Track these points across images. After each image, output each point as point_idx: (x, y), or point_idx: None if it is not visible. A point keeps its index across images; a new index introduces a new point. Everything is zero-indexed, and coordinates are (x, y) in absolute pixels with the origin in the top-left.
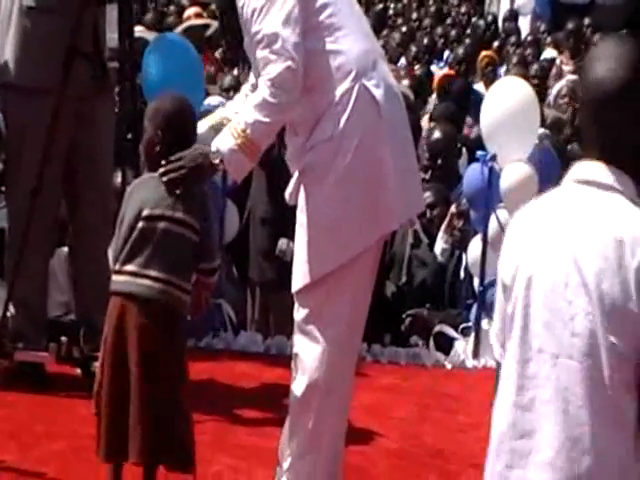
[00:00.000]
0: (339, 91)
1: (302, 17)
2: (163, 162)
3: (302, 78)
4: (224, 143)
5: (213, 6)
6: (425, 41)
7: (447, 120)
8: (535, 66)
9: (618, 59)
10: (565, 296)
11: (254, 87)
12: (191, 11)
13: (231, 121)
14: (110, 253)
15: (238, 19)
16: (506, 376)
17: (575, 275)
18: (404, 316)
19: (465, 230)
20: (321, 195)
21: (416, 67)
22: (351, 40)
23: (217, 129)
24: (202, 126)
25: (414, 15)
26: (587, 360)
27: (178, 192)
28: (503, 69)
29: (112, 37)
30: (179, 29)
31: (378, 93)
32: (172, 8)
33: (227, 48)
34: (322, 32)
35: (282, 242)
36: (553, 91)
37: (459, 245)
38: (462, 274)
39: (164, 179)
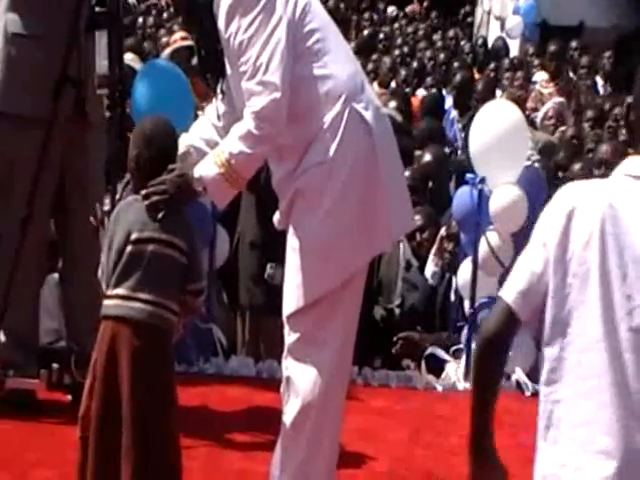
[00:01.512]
0: (329, 116)
1: (291, 45)
2: (145, 189)
3: (288, 108)
4: (207, 171)
5: None
6: (415, 65)
7: (435, 141)
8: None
9: None
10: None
11: (221, 116)
12: (177, 36)
13: (215, 149)
14: (101, 280)
15: (217, 48)
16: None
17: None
18: (395, 339)
19: (455, 253)
20: (314, 220)
21: (406, 90)
22: (338, 64)
23: (183, 158)
24: None
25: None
26: None
27: (160, 216)
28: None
29: (102, 64)
30: (166, 53)
31: (368, 115)
32: (162, 31)
33: (205, 77)
34: (311, 57)
35: (270, 266)
36: (540, 114)
37: (449, 268)
38: (452, 297)
39: (146, 203)
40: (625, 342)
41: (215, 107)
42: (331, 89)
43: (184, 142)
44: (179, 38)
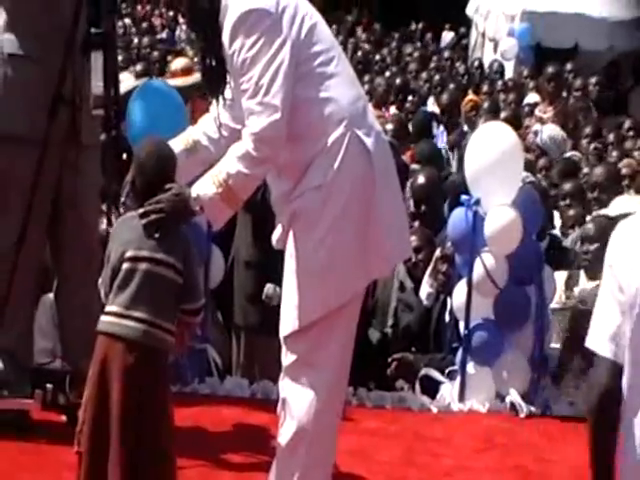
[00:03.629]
0: (330, 139)
1: (293, 66)
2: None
3: (287, 127)
4: (205, 191)
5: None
6: (412, 85)
7: (428, 162)
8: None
9: None
10: None
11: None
12: (178, 65)
13: (213, 169)
14: (100, 288)
15: (221, 56)
16: None
17: None
18: (390, 360)
19: (449, 274)
20: (311, 242)
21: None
22: (341, 87)
23: (191, 152)
24: (175, 147)
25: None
26: None
27: (157, 235)
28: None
29: (97, 84)
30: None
31: (369, 142)
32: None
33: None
34: (313, 80)
35: (269, 287)
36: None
37: (443, 289)
38: (447, 318)
39: (143, 221)
40: None
41: (215, 117)
42: (333, 112)
43: (191, 136)
44: (180, 70)
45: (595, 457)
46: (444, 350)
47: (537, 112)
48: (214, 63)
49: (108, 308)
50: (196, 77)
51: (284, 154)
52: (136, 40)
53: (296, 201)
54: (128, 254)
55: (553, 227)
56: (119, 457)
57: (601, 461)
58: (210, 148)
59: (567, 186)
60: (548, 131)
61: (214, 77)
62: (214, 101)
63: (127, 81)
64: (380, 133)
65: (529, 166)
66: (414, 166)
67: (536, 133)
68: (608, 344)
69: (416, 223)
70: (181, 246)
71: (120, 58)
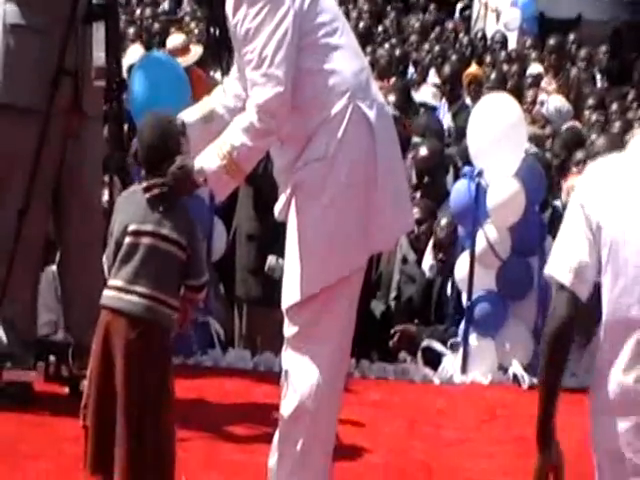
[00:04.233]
0: (333, 110)
1: (297, 37)
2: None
3: (290, 100)
4: (209, 163)
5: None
6: (414, 56)
7: (430, 133)
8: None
9: None
10: None
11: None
12: (177, 41)
13: (216, 141)
14: (104, 263)
15: (227, 27)
16: None
17: None
18: (392, 332)
19: (445, 260)
20: (313, 214)
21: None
22: (345, 59)
23: (207, 120)
24: (191, 115)
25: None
26: None
27: (161, 209)
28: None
29: (99, 56)
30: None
31: (372, 114)
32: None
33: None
34: (317, 51)
35: (271, 259)
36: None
37: (442, 273)
38: (449, 290)
39: (146, 196)
40: None
41: (224, 88)
42: (336, 84)
43: (207, 105)
44: (180, 47)
45: (547, 376)
46: (446, 322)
47: (543, 84)
48: (218, 33)
49: (111, 282)
50: (195, 54)
51: (287, 125)
52: (138, 11)
53: (298, 173)
54: (131, 228)
55: (558, 197)
56: (125, 430)
57: (552, 379)
58: (226, 117)
59: (579, 155)
60: (554, 102)
61: (219, 47)
62: (220, 71)
63: (136, 53)
64: (383, 105)
65: (540, 140)
66: (415, 139)
67: (542, 103)
68: (569, 275)
69: (417, 194)
70: (186, 222)
71: (131, 31)
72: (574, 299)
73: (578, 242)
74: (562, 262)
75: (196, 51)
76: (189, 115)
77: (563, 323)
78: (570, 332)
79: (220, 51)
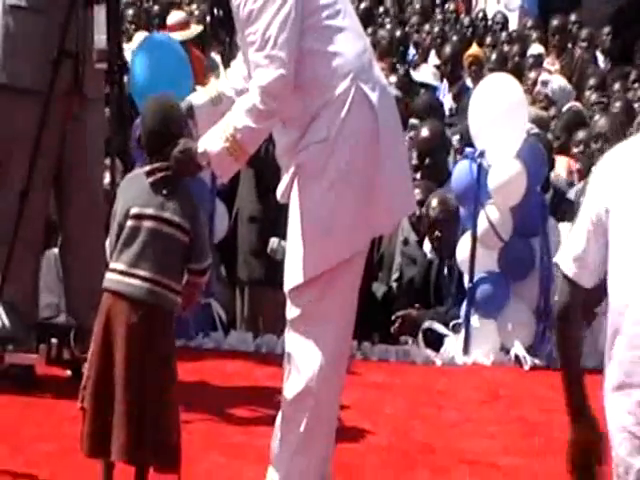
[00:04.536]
0: (335, 92)
1: (299, 18)
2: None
3: (293, 81)
4: (212, 145)
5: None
6: (415, 37)
7: (430, 114)
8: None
9: None
10: None
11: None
12: (175, 19)
13: (219, 123)
14: (107, 247)
15: (229, 12)
16: None
17: None
18: (393, 318)
19: (442, 238)
20: (315, 196)
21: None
22: (348, 41)
23: (215, 102)
24: (200, 97)
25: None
26: None
27: (164, 192)
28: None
29: (100, 38)
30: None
31: (374, 96)
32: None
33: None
34: (319, 33)
35: (273, 241)
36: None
37: (439, 253)
38: (446, 271)
39: (149, 179)
40: None
41: (231, 71)
42: (338, 66)
43: (216, 87)
44: (177, 25)
45: (561, 353)
46: (446, 303)
47: (545, 65)
48: (222, 13)
49: (113, 265)
50: (193, 30)
51: (289, 106)
52: None
53: (301, 154)
54: (133, 211)
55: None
56: (124, 413)
57: (566, 355)
58: (235, 99)
59: (580, 135)
60: (558, 81)
61: (222, 27)
62: (221, 51)
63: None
64: (386, 87)
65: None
66: (412, 120)
67: (545, 83)
68: (572, 264)
69: (418, 175)
70: (189, 205)
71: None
72: (576, 287)
73: (583, 230)
74: (567, 251)
75: (195, 29)
76: (197, 98)
77: (566, 308)
78: (574, 314)
79: (223, 31)
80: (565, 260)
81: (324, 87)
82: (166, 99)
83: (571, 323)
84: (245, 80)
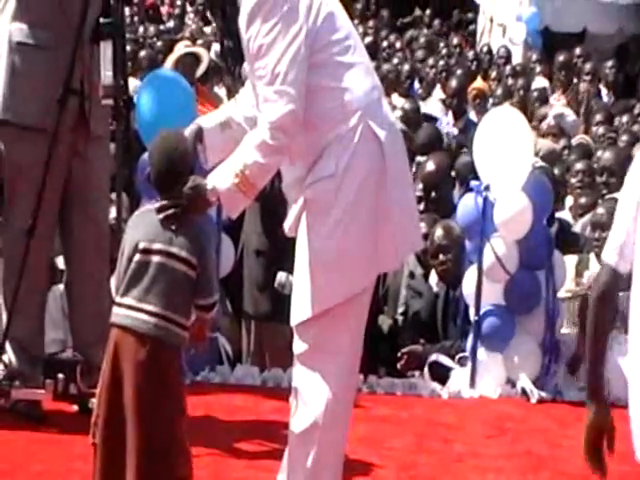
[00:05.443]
0: (343, 129)
1: (308, 54)
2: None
3: (302, 117)
4: (221, 182)
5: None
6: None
7: (435, 147)
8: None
9: None
10: None
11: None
12: (180, 44)
13: (228, 159)
14: (113, 282)
15: (239, 44)
16: None
17: None
18: (399, 354)
19: (448, 267)
20: (323, 231)
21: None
22: (357, 78)
23: (224, 127)
24: (209, 121)
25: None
26: None
27: (174, 228)
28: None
29: (107, 74)
30: (169, 61)
31: (382, 133)
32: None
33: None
34: (329, 68)
35: (281, 275)
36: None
37: (444, 280)
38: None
39: (160, 216)
40: None
41: (238, 100)
42: (347, 102)
43: (225, 112)
44: (182, 46)
45: (591, 332)
46: (452, 335)
47: (552, 100)
48: (232, 44)
49: (121, 300)
50: (196, 48)
51: (297, 141)
52: (141, 29)
53: (309, 189)
54: (141, 246)
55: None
56: (136, 449)
57: (600, 332)
58: (243, 125)
59: (579, 165)
60: (571, 115)
61: (232, 57)
62: (226, 83)
63: None
64: (393, 124)
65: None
66: (419, 158)
67: (561, 116)
68: (614, 253)
69: (422, 206)
70: (197, 241)
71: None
72: (614, 272)
73: (623, 220)
74: (610, 242)
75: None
76: (206, 121)
77: (605, 285)
78: (611, 297)
79: (233, 62)
80: (608, 251)
81: (333, 123)
82: (173, 137)
83: (607, 305)
84: (254, 108)
